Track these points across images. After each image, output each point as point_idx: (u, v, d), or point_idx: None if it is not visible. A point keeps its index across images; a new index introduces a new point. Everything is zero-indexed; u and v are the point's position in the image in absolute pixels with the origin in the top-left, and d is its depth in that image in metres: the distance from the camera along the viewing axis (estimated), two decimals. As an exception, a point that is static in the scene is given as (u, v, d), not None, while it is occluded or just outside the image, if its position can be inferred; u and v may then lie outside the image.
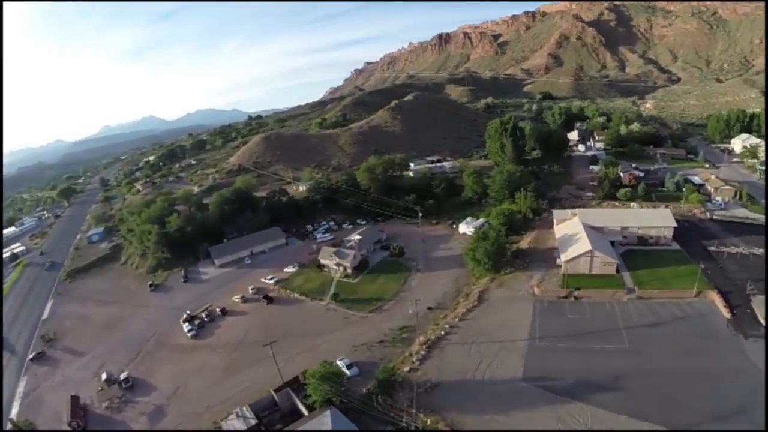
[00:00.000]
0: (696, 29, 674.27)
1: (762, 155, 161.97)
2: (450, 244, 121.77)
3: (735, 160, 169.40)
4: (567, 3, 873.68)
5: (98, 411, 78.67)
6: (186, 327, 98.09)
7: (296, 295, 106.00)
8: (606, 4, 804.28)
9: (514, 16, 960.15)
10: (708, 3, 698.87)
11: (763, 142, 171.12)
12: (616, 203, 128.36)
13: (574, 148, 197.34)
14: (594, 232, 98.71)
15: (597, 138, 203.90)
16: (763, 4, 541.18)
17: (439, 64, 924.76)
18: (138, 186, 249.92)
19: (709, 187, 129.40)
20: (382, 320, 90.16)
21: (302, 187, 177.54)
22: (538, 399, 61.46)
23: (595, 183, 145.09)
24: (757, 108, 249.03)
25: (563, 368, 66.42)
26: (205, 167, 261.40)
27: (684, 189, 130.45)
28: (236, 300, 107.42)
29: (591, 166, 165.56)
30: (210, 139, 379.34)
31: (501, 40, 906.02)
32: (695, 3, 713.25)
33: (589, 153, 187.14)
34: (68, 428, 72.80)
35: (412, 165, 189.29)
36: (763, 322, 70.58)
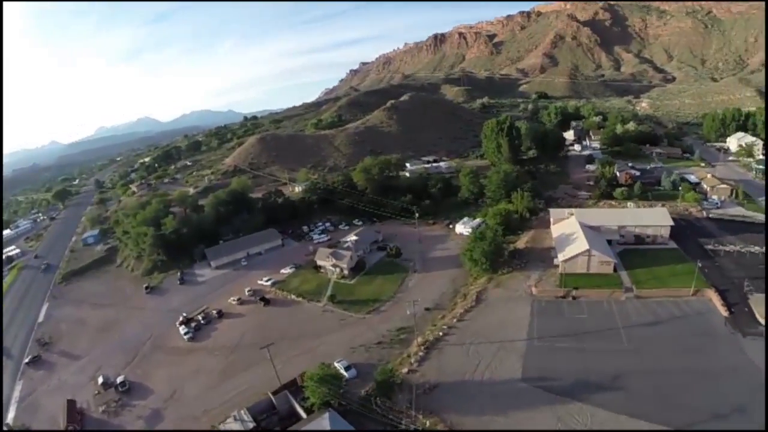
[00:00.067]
0: (691, 28, 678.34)
1: (757, 154, 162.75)
2: (447, 245, 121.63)
3: (731, 158, 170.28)
4: (562, 3, 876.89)
5: (95, 415, 77.93)
6: (182, 329, 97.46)
7: (293, 297, 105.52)
8: (601, 3, 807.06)
9: (509, 16, 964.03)
10: (702, 2, 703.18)
11: (759, 141, 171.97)
12: (613, 202, 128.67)
13: (570, 147, 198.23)
14: (591, 231, 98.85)
15: (593, 137, 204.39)
16: (757, 3, 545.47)
17: (435, 64, 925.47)
18: (133, 188, 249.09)
19: (705, 186, 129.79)
20: (379, 321, 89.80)
21: (298, 188, 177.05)
22: (537, 399, 61.31)
23: (592, 182, 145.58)
24: (753, 107, 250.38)
25: (562, 368, 66.31)
26: (200, 168, 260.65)
27: (680, 188, 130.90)
28: (233, 302, 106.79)
29: (587, 166, 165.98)
30: (205, 141, 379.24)
31: (496, 40, 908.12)
32: (690, 2, 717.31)
33: (586, 152, 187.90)
34: (64, 433, 71.85)
35: (408, 165, 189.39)
36: (761, 320, 70.74)
